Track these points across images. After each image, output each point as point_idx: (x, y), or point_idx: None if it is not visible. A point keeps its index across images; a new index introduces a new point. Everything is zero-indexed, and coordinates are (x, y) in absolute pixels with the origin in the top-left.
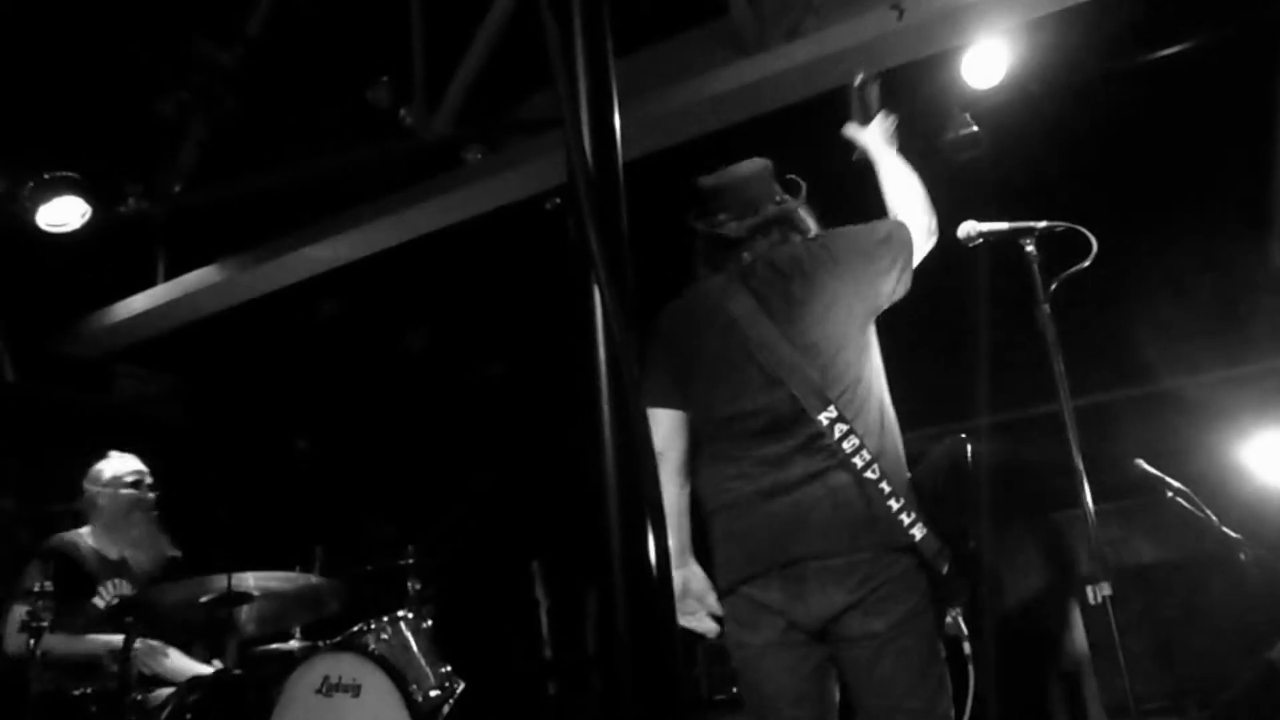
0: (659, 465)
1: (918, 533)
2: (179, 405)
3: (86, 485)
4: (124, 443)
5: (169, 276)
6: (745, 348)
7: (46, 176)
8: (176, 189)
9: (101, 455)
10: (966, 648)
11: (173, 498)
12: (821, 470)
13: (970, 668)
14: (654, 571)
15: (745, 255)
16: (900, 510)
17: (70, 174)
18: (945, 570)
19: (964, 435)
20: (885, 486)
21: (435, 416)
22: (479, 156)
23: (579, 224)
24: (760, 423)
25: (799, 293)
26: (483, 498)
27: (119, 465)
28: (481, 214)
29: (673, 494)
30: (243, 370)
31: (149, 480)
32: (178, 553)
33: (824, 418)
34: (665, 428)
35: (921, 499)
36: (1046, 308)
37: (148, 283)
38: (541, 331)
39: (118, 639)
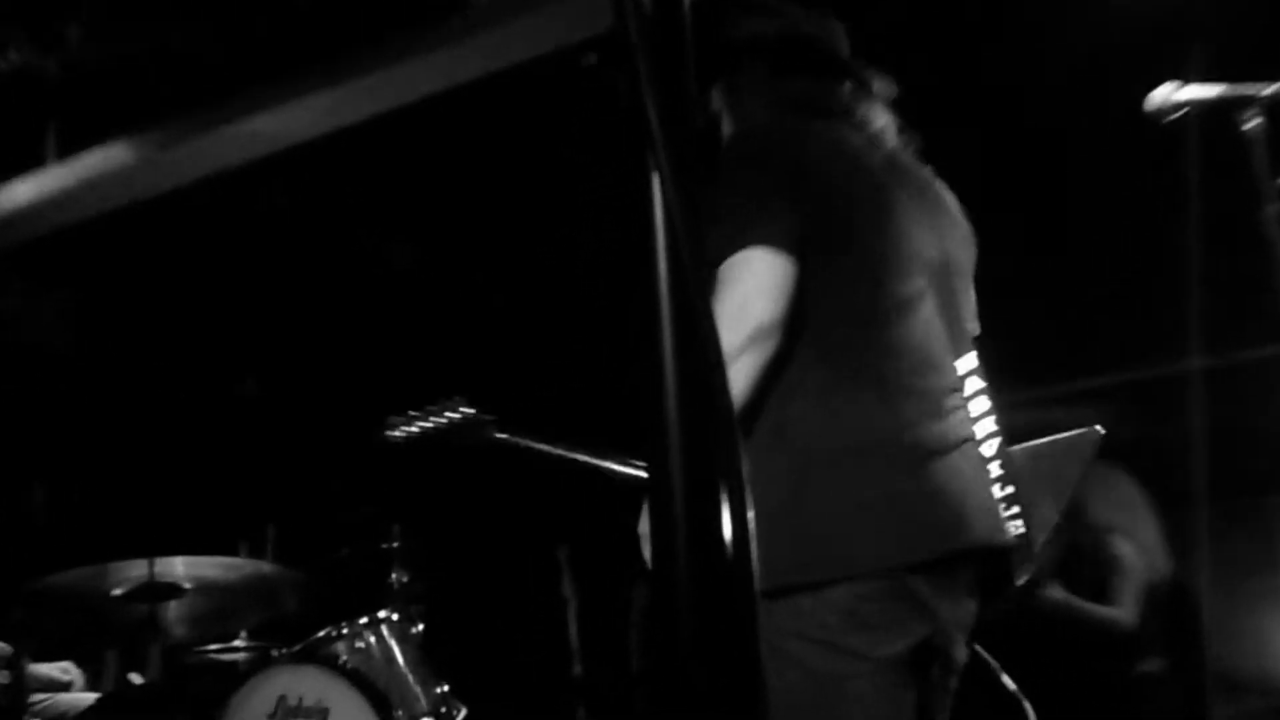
0: (756, 343)
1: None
2: (72, 330)
3: None
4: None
5: (62, 156)
6: (903, 243)
7: None
8: (73, 36)
9: None
10: None
11: (66, 454)
12: (969, 433)
13: None
14: (731, 558)
15: (875, 127)
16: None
17: None
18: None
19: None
20: (995, 469)
21: (428, 350)
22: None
23: (631, 86)
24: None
25: (938, 219)
26: (490, 460)
27: None
28: (489, 75)
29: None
30: (163, 285)
31: None
32: None
33: (961, 365)
34: (783, 282)
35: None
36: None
37: (33, 163)
38: (572, 233)
39: (3, 678)
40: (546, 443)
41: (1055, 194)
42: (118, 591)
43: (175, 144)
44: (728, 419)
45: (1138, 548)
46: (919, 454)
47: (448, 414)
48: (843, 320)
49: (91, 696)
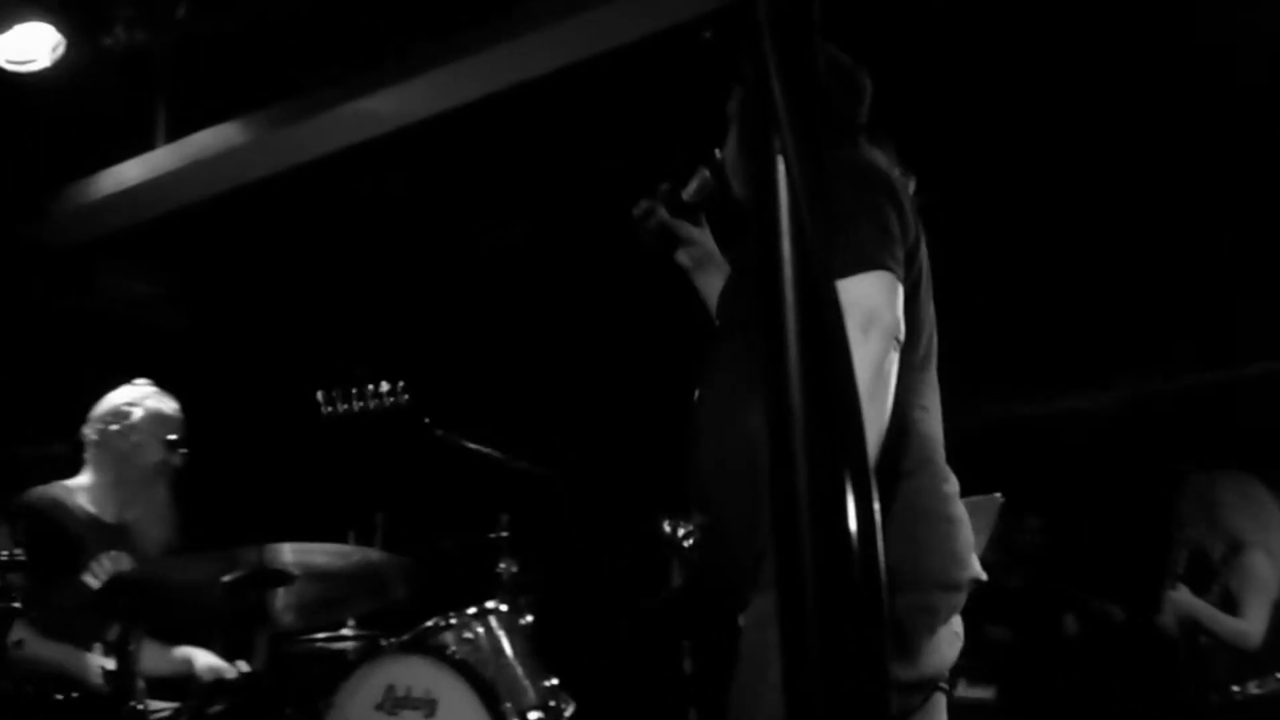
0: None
1: None
2: (181, 312)
3: (92, 420)
4: (113, 363)
5: (171, 138)
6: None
7: None
8: (180, 13)
9: (105, 379)
10: None
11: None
12: None
13: None
14: (856, 554)
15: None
16: None
17: None
18: None
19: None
20: None
21: (539, 334)
22: None
23: (756, 65)
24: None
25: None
26: (607, 447)
27: (150, 402)
28: (603, 53)
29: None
30: (272, 268)
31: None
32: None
33: None
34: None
35: None
36: None
37: (143, 146)
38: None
39: (108, 664)
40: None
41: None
42: (227, 578)
43: (283, 125)
44: (852, 411)
45: (1272, 560)
46: (952, 482)
47: (380, 399)
48: (910, 348)
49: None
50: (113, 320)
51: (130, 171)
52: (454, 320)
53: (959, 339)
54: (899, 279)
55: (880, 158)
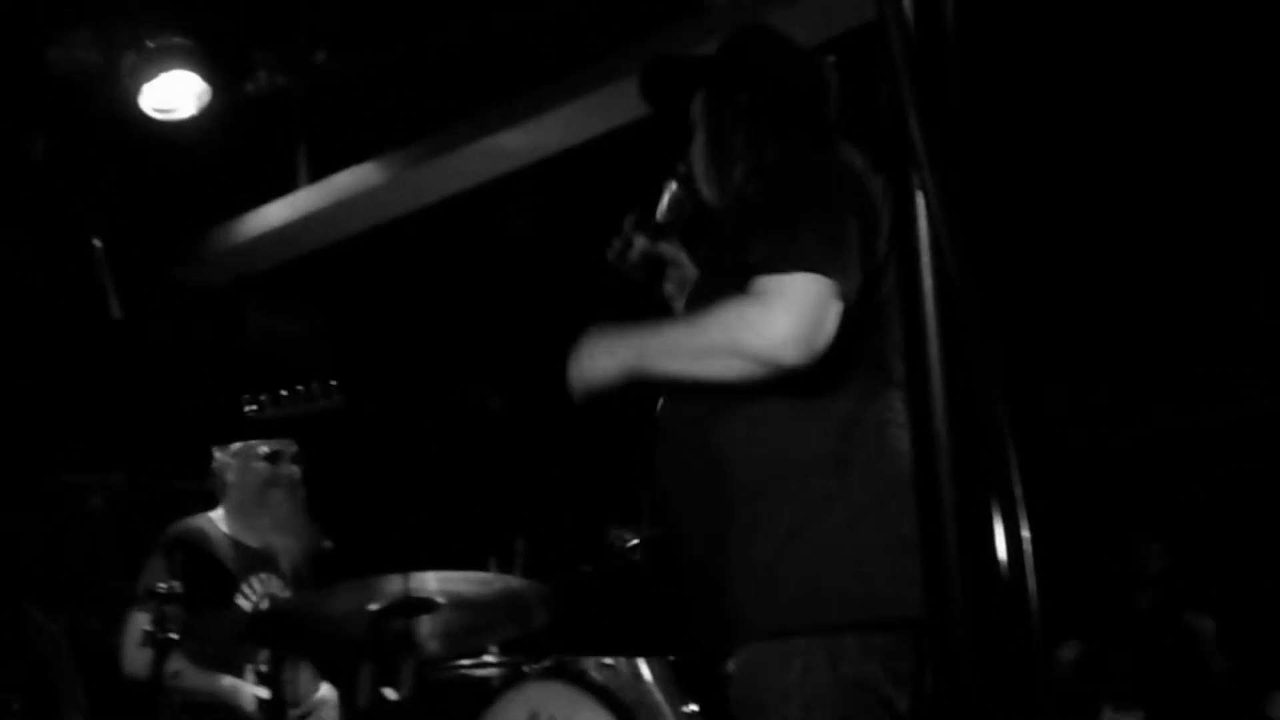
0: (760, 369)
1: None
2: (324, 348)
3: (216, 454)
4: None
5: (313, 179)
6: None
7: (152, 45)
8: (319, 57)
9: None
10: None
11: (321, 471)
12: None
13: None
14: (1006, 577)
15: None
16: None
17: (182, 41)
18: None
19: None
20: None
21: None
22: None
23: (893, 99)
24: None
25: None
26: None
27: None
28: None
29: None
30: (410, 304)
31: (292, 450)
32: (330, 543)
33: None
34: (829, 325)
35: None
36: None
37: (285, 187)
38: None
39: (261, 693)
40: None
41: None
42: (374, 606)
43: (421, 163)
44: (999, 436)
45: None
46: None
47: (309, 401)
48: (883, 363)
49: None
50: (261, 356)
51: (275, 212)
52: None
53: (1076, 361)
54: (839, 289)
55: (857, 160)
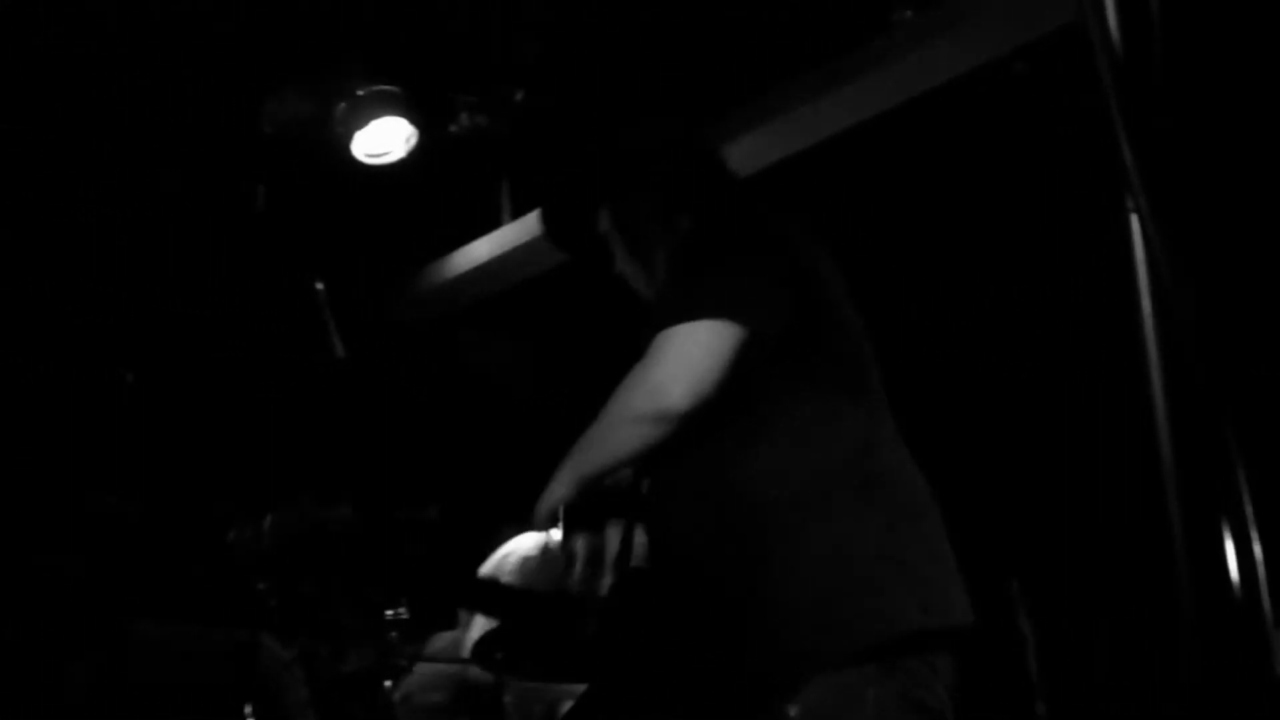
0: (657, 423)
1: None
2: (537, 377)
3: None
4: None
5: (516, 214)
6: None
7: (362, 94)
8: (519, 96)
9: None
10: None
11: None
12: None
13: None
14: (1238, 596)
15: None
16: None
17: (390, 88)
18: None
19: None
20: None
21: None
22: (909, 14)
23: (1104, 124)
24: None
25: None
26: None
27: None
28: (915, 97)
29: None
30: (612, 334)
31: None
32: None
33: None
34: (733, 363)
35: None
36: None
37: (490, 223)
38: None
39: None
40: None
41: None
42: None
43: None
44: (1226, 454)
45: None
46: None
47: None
48: (871, 383)
49: None
50: (475, 388)
51: (481, 249)
52: None
53: None
54: (739, 327)
55: (774, 220)
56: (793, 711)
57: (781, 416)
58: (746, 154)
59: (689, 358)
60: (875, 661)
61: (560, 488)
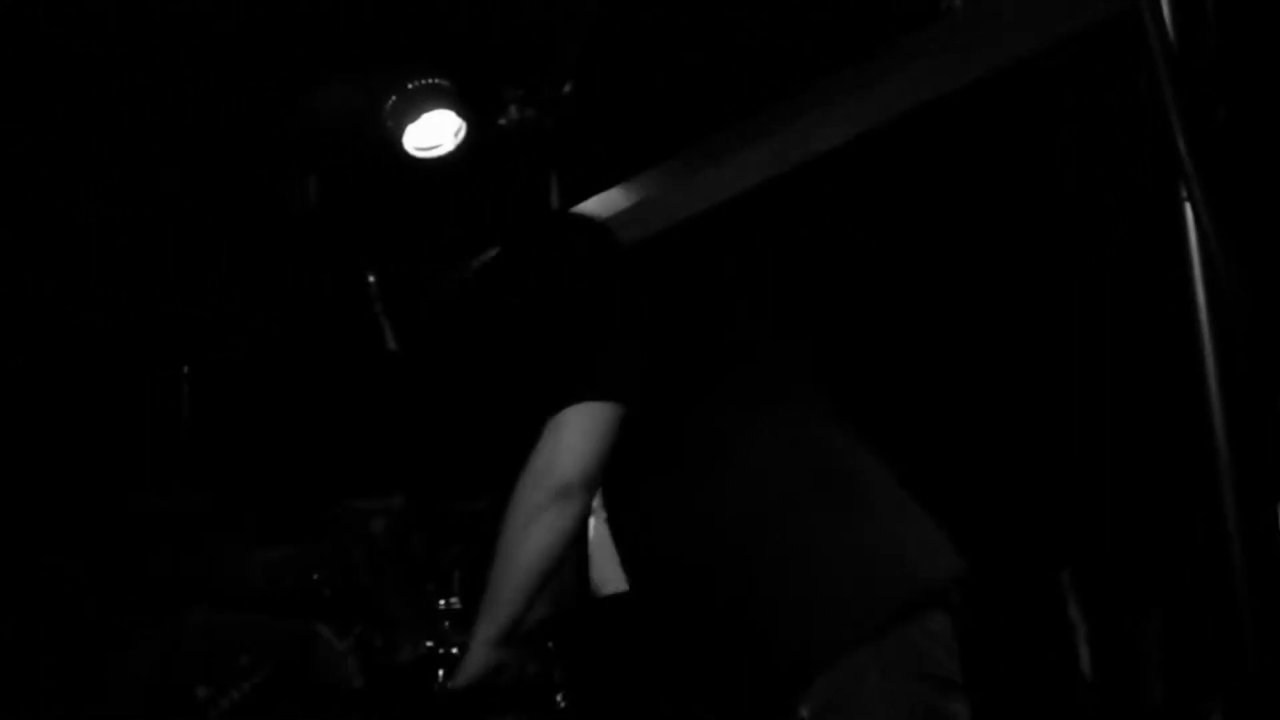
0: (560, 500)
1: None
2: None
3: None
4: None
5: (564, 206)
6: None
7: (411, 87)
8: (567, 88)
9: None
10: None
11: None
12: None
13: None
14: None
15: None
16: None
17: (440, 81)
18: None
19: None
20: None
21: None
22: (958, 3)
23: (1158, 114)
24: None
25: None
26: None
27: None
28: (963, 87)
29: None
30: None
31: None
32: None
33: None
34: (605, 432)
35: None
36: None
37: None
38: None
39: None
40: None
41: None
42: None
43: (667, 184)
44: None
45: None
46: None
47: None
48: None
49: None
50: (519, 379)
51: None
52: None
53: None
54: (614, 406)
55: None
56: (804, 712)
57: (722, 441)
58: (793, 142)
59: (566, 439)
60: (871, 644)
61: (480, 653)
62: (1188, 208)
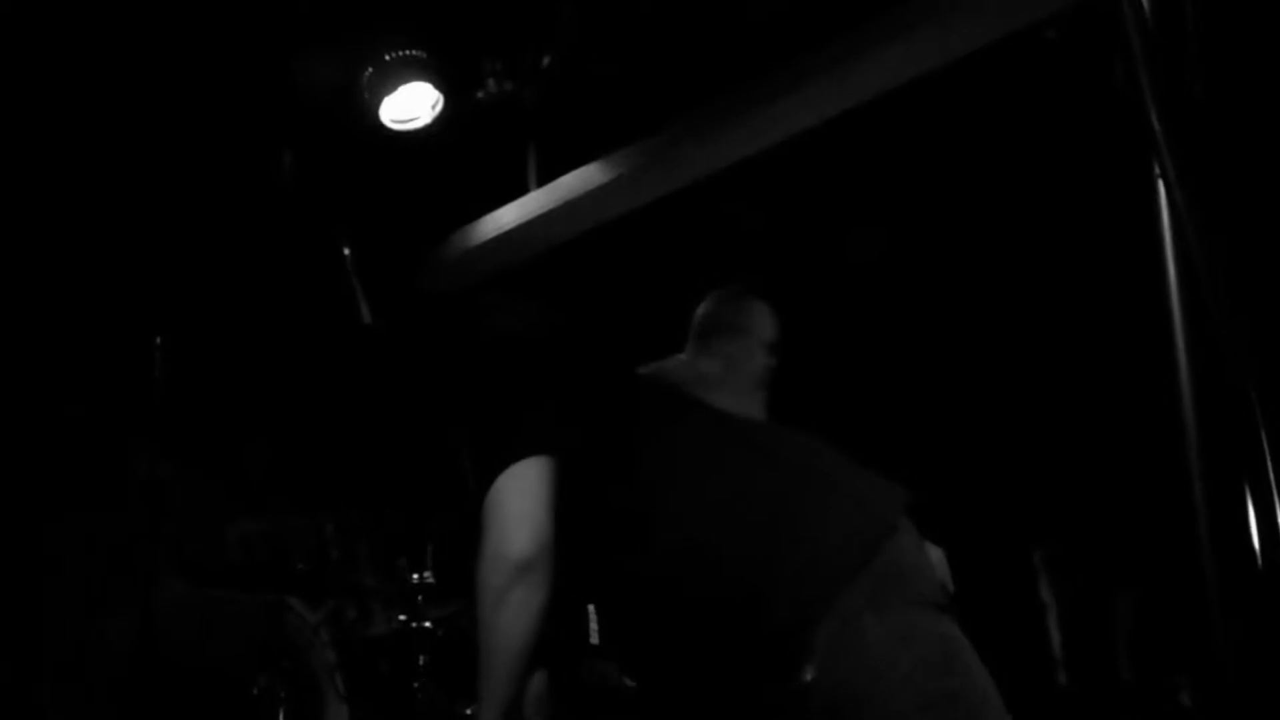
0: (520, 578)
1: None
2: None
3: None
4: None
5: (542, 181)
6: None
7: (389, 59)
8: (546, 62)
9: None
10: None
11: None
12: None
13: None
14: (1261, 562)
15: None
16: None
17: (417, 53)
18: None
19: None
20: None
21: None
22: None
23: (1132, 89)
24: None
25: None
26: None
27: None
28: (944, 64)
29: None
30: (637, 300)
31: None
32: None
33: None
34: (541, 494)
35: None
36: None
37: (517, 190)
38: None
39: None
40: None
41: None
42: None
43: (646, 161)
44: (1249, 420)
45: None
46: None
47: None
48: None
49: None
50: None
51: (507, 215)
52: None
53: None
54: (545, 457)
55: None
56: (808, 675)
57: (652, 500)
58: (776, 119)
59: (510, 510)
60: (856, 583)
61: None
62: (1160, 184)
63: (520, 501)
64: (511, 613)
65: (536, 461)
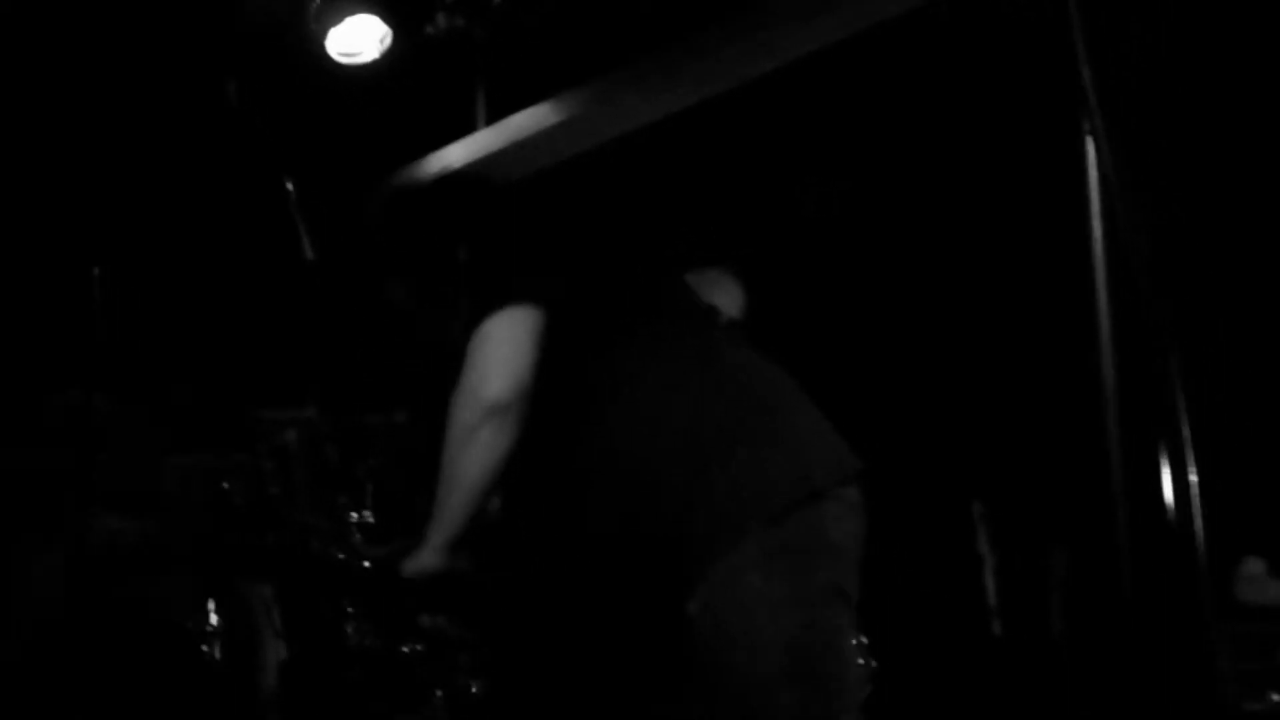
0: (490, 419)
1: None
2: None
3: None
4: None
5: (491, 120)
6: None
7: None
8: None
9: None
10: None
11: None
12: None
13: None
14: (1172, 521)
15: None
16: None
17: None
18: None
19: None
20: None
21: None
22: None
23: (1064, 46)
24: None
25: None
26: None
27: None
28: (876, 22)
29: None
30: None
31: None
32: None
33: None
34: (526, 342)
35: None
36: None
37: (464, 128)
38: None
39: None
40: None
41: None
42: None
43: (597, 101)
44: (1168, 382)
45: None
46: None
47: None
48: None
49: None
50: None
51: (454, 154)
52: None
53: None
54: (537, 309)
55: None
56: (692, 608)
57: (613, 381)
58: (731, 63)
59: (492, 353)
60: (755, 543)
61: (430, 556)
62: (1089, 140)
63: (502, 347)
64: (476, 451)
65: (526, 310)
